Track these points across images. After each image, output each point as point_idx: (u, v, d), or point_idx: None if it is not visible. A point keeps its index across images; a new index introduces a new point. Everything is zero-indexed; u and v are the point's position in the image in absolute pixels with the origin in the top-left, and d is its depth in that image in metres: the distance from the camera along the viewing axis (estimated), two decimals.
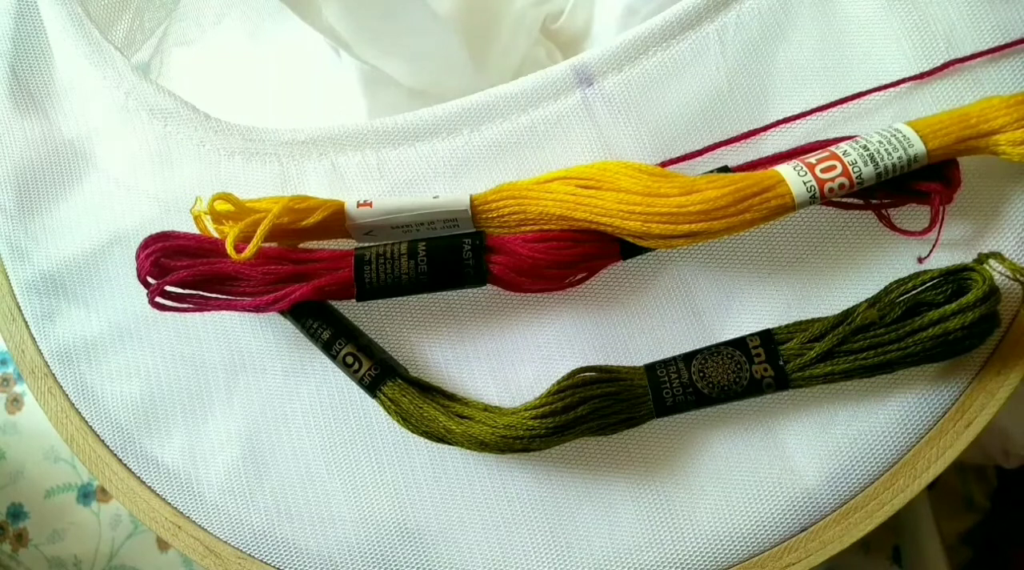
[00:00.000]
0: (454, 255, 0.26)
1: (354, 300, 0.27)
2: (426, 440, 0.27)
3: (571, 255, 0.26)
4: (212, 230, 0.27)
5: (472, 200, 0.27)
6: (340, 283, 0.27)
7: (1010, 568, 0.49)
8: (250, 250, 0.25)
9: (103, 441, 0.30)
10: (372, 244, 0.27)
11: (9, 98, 0.33)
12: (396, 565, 0.28)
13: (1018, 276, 0.26)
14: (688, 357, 0.26)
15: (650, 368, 0.26)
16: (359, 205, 0.27)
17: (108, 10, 0.38)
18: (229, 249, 0.25)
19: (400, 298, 0.28)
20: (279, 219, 0.26)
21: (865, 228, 0.28)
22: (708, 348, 0.26)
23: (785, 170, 0.26)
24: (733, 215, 0.25)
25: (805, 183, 0.25)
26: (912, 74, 0.28)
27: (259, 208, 0.27)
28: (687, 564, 0.27)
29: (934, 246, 0.27)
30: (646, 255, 0.28)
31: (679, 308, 0.28)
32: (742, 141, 0.28)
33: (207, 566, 0.29)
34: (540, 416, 0.26)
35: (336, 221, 0.27)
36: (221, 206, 0.26)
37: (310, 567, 0.28)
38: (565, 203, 0.26)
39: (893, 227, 0.27)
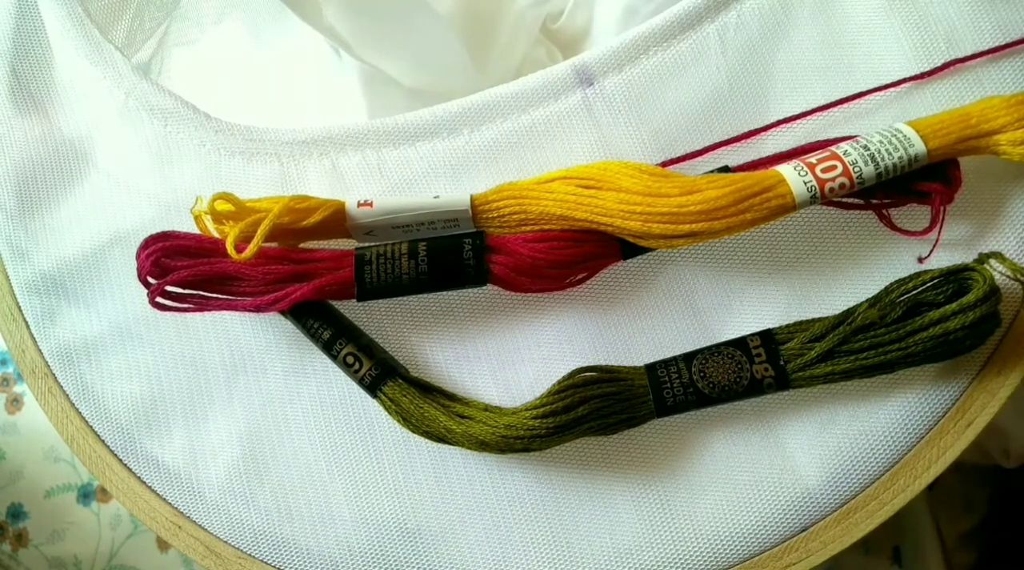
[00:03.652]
0: (455, 255, 0.26)
1: (354, 300, 0.27)
2: (426, 440, 0.27)
3: (572, 255, 0.26)
4: (212, 230, 0.27)
5: (473, 200, 0.27)
6: (341, 283, 0.27)
7: (1010, 568, 0.49)
8: (250, 250, 0.25)
9: (103, 441, 0.30)
10: (373, 244, 0.27)
11: (9, 98, 0.33)
12: (396, 565, 0.28)
13: (1019, 276, 0.26)
14: (688, 357, 0.26)
15: (650, 368, 0.26)
16: (360, 205, 0.27)
17: (108, 10, 0.38)
18: (230, 249, 0.25)
19: (400, 298, 0.28)
20: (279, 219, 0.26)
21: (865, 228, 0.28)
22: (708, 348, 0.26)
23: (786, 170, 0.26)
24: (734, 215, 0.25)
25: (806, 183, 0.25)
26: (912, 74, 0.28)
27: (259, 208, 0.27)
28: (687, 564, 0.27)
29: (934, 246, 0.27)
30: (646, 255, 0.28)
31: (679, 308, 0.28)
32: (742, 141, 0.28)
33: (207, 566, 0.29)
34: (540, 416, 0.26)
35: (337, 221, 0.27)
36: (221, 206, 0.26)
37: (310, 567, 0.28)
38: (566, 203, 0.26)
39: (894, 227, 0.27)
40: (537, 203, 0.26)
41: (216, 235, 0.27)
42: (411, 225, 0.27)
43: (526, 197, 0.27)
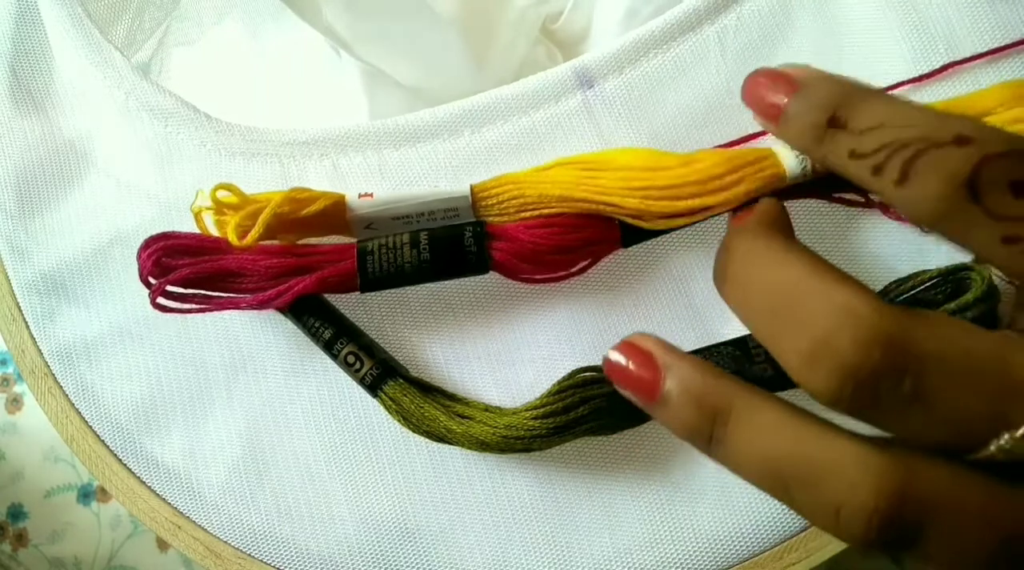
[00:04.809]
0: (456, 243, 0.26)
1: (357, 292, 0.27)
2: (426, 440, 0.27)
3: (572, 240, 0.26)
4: (211, 226, 0.27)
5: (472, 188, 0.27)
6: (343, 274, 0.26)
7: None
8: (252, 235, 0.25)
9: (103, 441, 0.30)
10: (374, 236, 0.27)
11: (9, 98, 0.33)
12: (396, 565, 0.28)
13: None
14: None
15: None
16: (360, 196, 0.27)
17: (108, 10, 0.38)
18: (230, 235, 0.25)
19: (402, 298, 0.28)
20: (280, 208, 0.26)
21: (865, 227, 0.28)
22: (708, 348, 0.26)
23: (775, 143, 0.26)
24: (729, 187, 0.25)
25: (797, 155, 0.25)
26: (911, 76, 0.28)
27: (260, 199, 0.27)
28: (687, 564, 0.27)
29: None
30: (647, 256, 0.28)
31: (680, 308, 0.28)
32: (743, 144, 0.28)
33: (207, 566, 0.29)
34: (541, 416, 0.26)
35: (337, 212, 0.27)
36: (225, 198, 0.26)
37: (310, 567, 0.28)
38: (564, 184, 0.26)
39: (899, 217, 0.27)
40: (536, 186, 0.26)
41: (215, 233, 0.27)
42: (411, 216, 0.27)
43: (524, 181, 0.27)
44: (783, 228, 0.21)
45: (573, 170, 0.26)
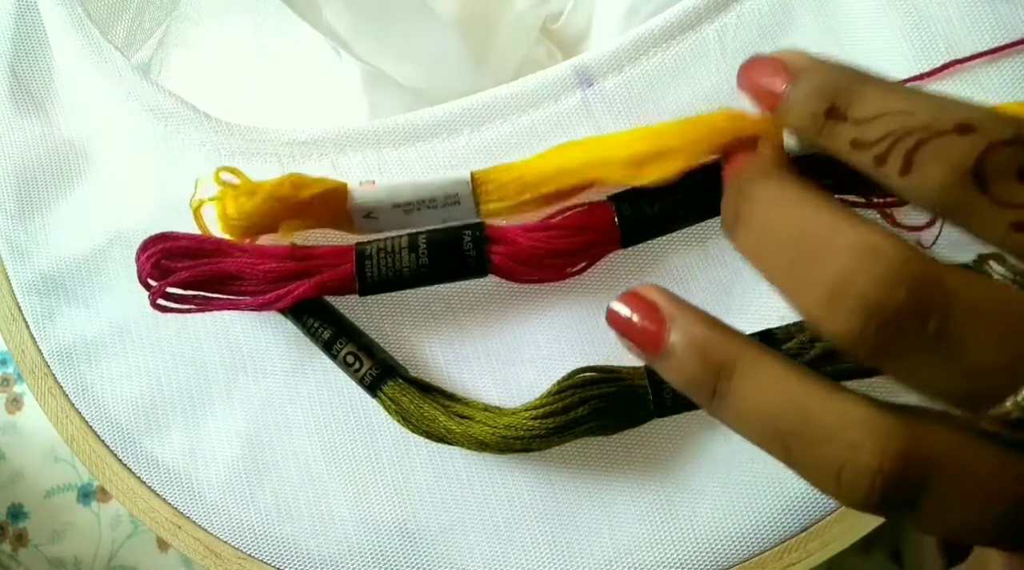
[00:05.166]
0: (455, 246, 0.26)
1: (356, 295, 0.27)
2: (426, 440, 0.27)
3: (572, 243, 0.26)
4: (212, 217, 0.27)
5: (472, 175, 0.27)
6: (342, 278, 0.26)
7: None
8: (253, 203, 0.25)
9: (103, 441, 0.30)
10: (373, 238, 0.27)
11: (9, 98, 0.33)
12: (396, 565, 0.28)
13: (1018, 278, 0.25)
14: None
15: (651, 368, 0.26)
16: (362, 184, 0.27)
17: (108, 10, 0.38)
18: (229, 209, 0.25)
19: (401, 298, 0.28)
20: (279, 190, 0.26)
21: None
22: None
23: None
24: (730, 135, 0.24)
25: None
26: (912, 75, 0.28)
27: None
28: (687, 564, 0.27)
29: (935, 240, 0.27)
30: (647, 255, 0.28)
31: None
32: None
33: (207, 566, 0.29)
34: (540, 416, 0.26)
35: (338, 199, 0.27)
36: (229, 182, 0.26)
37: (310, 567, 0.28)
38: (561, 158, 0.26)
39: (896, 224, 0.27)
40: (536, 168, 0.26)
41: (214, 231, 0.27)
42: (412, 202, 0.27)
43: (525, 166, 0.26)
44: (792, 170, 0.20)
45: (573, 147, 0.26)
